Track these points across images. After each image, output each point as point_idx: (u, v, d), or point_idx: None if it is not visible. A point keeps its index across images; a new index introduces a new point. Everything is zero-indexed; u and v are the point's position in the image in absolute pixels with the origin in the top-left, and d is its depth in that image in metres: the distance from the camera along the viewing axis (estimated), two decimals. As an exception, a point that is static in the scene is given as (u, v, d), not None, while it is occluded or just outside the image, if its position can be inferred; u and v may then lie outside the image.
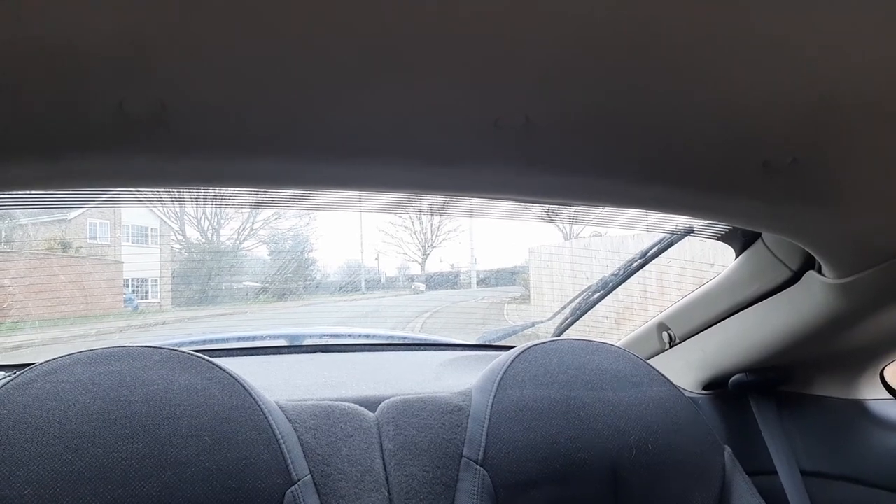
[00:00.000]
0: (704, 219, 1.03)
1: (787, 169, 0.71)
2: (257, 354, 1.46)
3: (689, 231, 1.19)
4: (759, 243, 1.10)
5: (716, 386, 1.32)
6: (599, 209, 1.06)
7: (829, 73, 0.55)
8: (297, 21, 0.47)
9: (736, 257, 1.16)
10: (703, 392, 1.34)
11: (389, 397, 0.99)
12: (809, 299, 1.03)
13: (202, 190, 0.94)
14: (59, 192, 0.88)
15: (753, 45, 0.51)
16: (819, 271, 0.99)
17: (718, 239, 1.16)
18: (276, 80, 0.55)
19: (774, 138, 0.66)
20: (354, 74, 0.54)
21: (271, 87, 0.56)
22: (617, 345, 1.22)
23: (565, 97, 0.59)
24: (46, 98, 0.55)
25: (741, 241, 1.13)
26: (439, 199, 1.03)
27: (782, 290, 1.08)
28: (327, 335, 1.71)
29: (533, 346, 1.05)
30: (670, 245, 1.32)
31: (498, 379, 0.99)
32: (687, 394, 1.21)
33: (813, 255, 0.95)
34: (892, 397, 1.19)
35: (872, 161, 0.70)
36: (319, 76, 0.54)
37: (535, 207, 1.07)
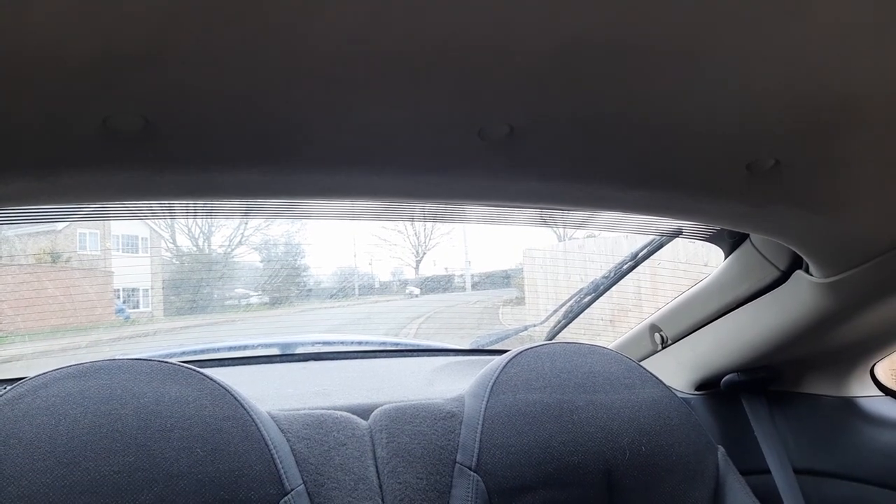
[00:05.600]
0: (691, 221, 1.03)
1: (770, 171, 0.72)
2: (249, 364, 1.46)
3: (678, 233, 1.20)
4: (746, 244, 1.11)
5: (708, 386, 1.33)
6: (590, 212, 1.07)
7: (810, 77, 0.55)
8: (281, 34, 0.47)
9: (725, 258, 1.17)
10: (696, 392, 1.35)
11: (382, 405, 0.99)
12: (798, 298, 1.03)
13: (190, 202, 0.94)
14: (46, 207, 0.88)
15: (733, 52, 0.51)
16: (807, 271, 1.00)
17: (707, 240, 1.17)
18: (260, 93, 0.55)
19: (756, 141, 0.67)
20: (340, 87, 0.55)
21: (256, 100, 0.56)
22: (609, 347, 1.22)
23: (548, 106, 0.59)
24: (31, 115, 0.55)
25: (729, 242, 1.14)
26: (430, 206, 1.03)
27: (771, 289, 1.09)
28: (319, 343, 1.70)
29: (525, 350, 1.05)
30: (660, 247, 1.32)
31: (490, 384, 0.98)
32: (679, 395, 1.21)
33: (800, 254, 0.96)
34: (882, 394, 1.20)
35: (854, 162, 0.71)
36: (304, 88, 0.55)
37: (528, 211, 1.07)
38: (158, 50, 0.47)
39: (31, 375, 0.83)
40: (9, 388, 0.81)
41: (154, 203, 0.92)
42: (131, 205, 0.93)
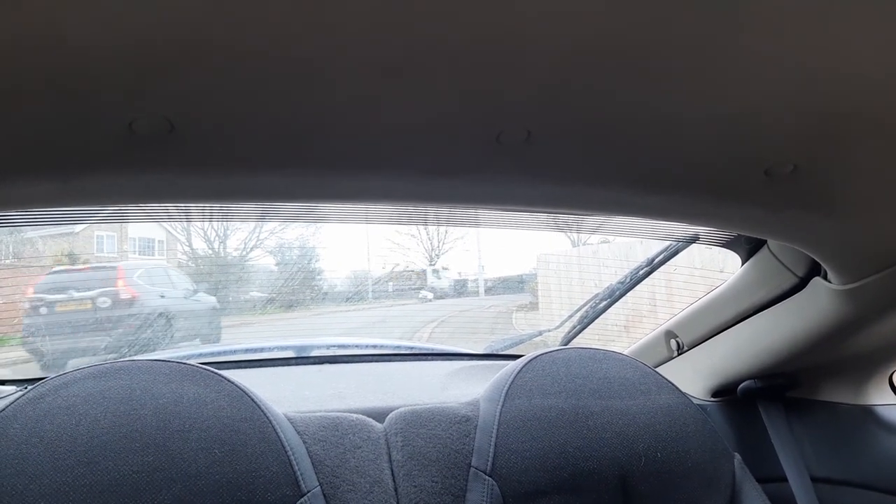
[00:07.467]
0: (707, 226, 1.03)
1: (788, 177, 0.72)
2: (265, 366, 1.47)
3: (695, 238, 1.19)
4: (764, 250, 1.10)
5: (724, 393, 1.32)
6: (605, 217, 1.07)
7: (828, 82, 0.55)
8: (303, 39, 0.48)
9: (742, 264, 1.17)
10: (712, 399, 1.34)
11: (397, 408, 0.99)
12: (816, 305, 1.03)
13: (210, 204, 0.95)
14: (68, 209, 0.89)
15: (751, 56, 0.51)
16: (825, 277, 0.99)
17: (724, 246, 1.16)
18: (282, 97, 0.56)
19: (775, 147, 0.67)
20: (360, 91, 0.55)
21: (278, 103, 0.57)
22: (625, 353, 1.21)
23: (566, 111, 0.60)
24: (58, 119, 0.56)
25: (747, 248, 1.13)
26: (445, 211, 1.03)
27: (789, 296, 1.08)
28: (335, 346, 1.71)
29: (540, 354, 1.05)
30: (676, 252, 1.32)
31: (505, 388, 0.98)
32: (695, 401, 1.20)
33: (818, 261, 0.95)
34: (901, 402, 1.18)
35: (872, 168, 0.70)
36: (325, 92, 0.55)
37: (542, 216, 1.07)
38: (184, 54, 0.48)
39: (52, 375, 0.84)
40: (30, 387, 0.82)
41: (171, 205, 0.93)
42: (149, 207, 0.95)
